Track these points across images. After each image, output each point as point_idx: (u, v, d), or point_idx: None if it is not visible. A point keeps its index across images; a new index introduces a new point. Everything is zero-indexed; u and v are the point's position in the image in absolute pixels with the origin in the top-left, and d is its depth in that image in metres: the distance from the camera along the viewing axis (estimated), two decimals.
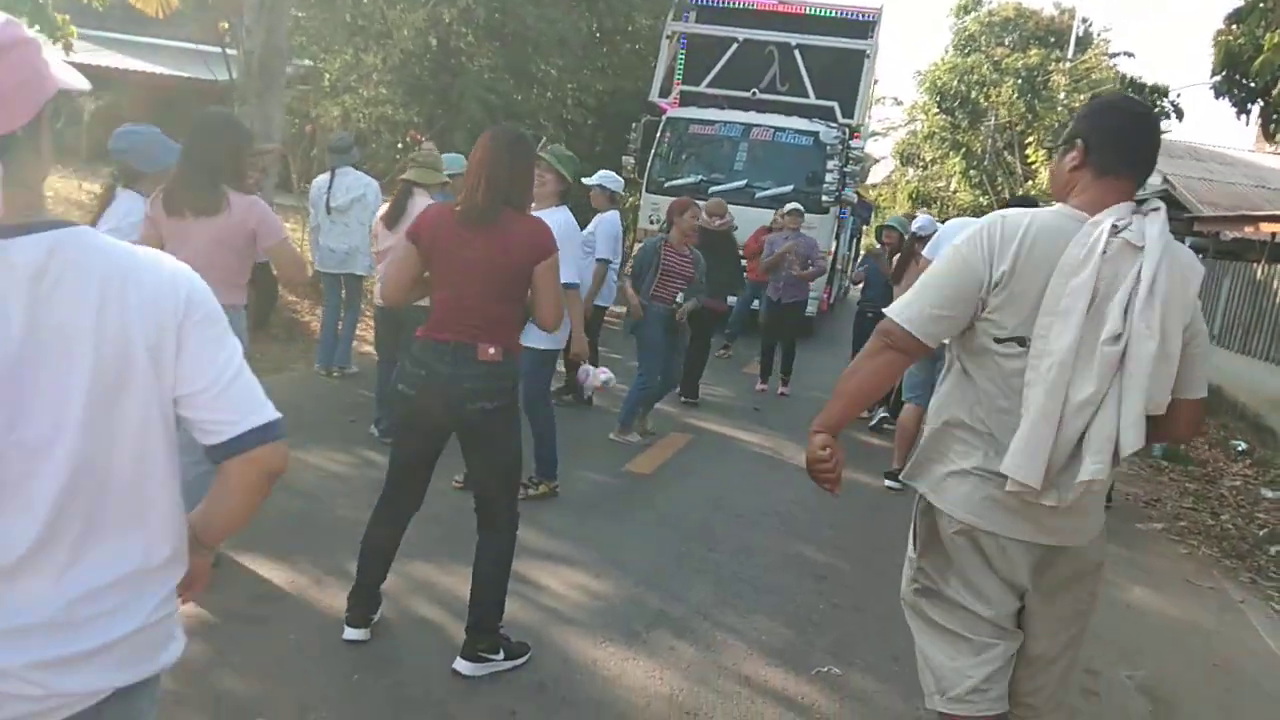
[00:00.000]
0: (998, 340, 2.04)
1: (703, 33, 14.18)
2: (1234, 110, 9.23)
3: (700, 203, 7.52)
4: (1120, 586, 4.91)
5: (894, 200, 36.05)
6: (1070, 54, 26.25)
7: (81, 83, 1.25)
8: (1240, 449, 8.88)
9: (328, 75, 11.95)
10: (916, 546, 2.25)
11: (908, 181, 34.79)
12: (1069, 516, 2.08)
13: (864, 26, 14.11)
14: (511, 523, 3.21)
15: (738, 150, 12.83)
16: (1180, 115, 11.24)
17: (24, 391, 1.16)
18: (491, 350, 2.98)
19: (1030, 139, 22.99)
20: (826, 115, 13.17)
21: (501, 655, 3.17)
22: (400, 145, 12.25)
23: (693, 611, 3.86)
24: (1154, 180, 13.32)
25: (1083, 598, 2.22)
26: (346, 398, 6.60)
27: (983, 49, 28.72)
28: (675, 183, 12.35)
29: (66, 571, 1.22)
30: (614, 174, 7.22)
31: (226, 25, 10.29)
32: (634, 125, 13.56)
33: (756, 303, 10.15)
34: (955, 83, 28.08)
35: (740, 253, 9.05)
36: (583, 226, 6.80)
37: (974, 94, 27.52)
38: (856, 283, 9.04)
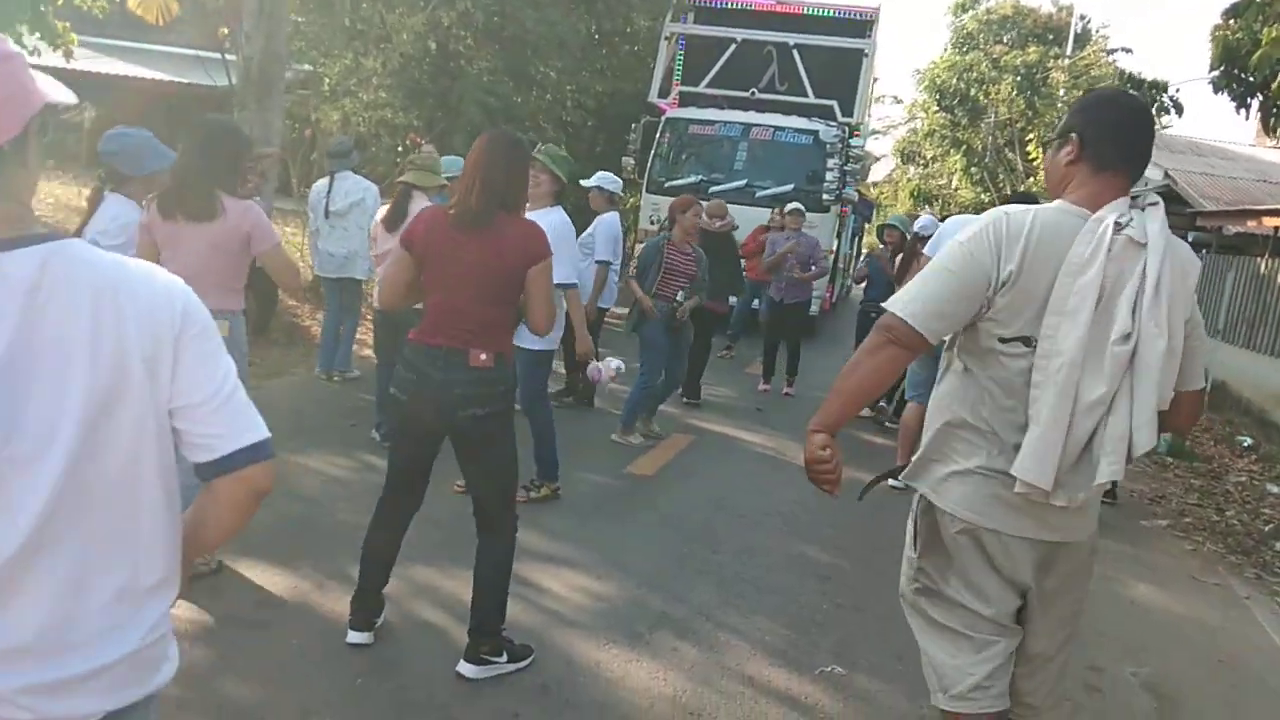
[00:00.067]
0: (1002, 340, 2.03)
1: (701, 33, 14.19)
2: (1233, 105, 9.20)
3: (701, 203, 7.51)
4: (1125, 583, 4.90)
5: (895, 198, 36.06)
6: (1069, 51, 26.25)
7: (68, 96, 1.24)
8: (1246, 444, 8.86)
9: (327, 80, 11.94)
10: (917, 547, 2.23)
11: (909, 179, 34.80)
12: (1072, 513, 2.07)
13: (862, 25, 14.12)
14: (510, 526, 3.20)
15: (737, 150, 12.83)
16: (1180, 110, 11.18)
17: (17, 406, 1.15)
18: (483, 356, 2.98)
19: (1031, 136, 22.96)
20: (826, 114, 13.17)
21: (505, 658, 3.17)
22: (400, 149, 12.24)
23: (696, 612, 3.86)
24: (1155, 175, 13.29)
25: (1080, 595, 2.23)
26: (347, 402, 6.60)
27: (981, 47, 28.71)
28: (675, 183, 12.35)
29: (57, 593, 1.20)
30: (612, 175, 7.21)
31: (226, 31, 10.31)
32: (633, 126, 13.57)
33: (756, 302, 10.15)
34: (954, 80, 28.10)
35: (740, 254, 9.04)
36: (583, 228, 6.81)
37: (973, 91, 27.54)
38: (859, 281, 9.03)
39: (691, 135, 13.07)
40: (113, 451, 1.22)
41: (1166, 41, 70.72)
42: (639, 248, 7.95)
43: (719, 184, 12.18)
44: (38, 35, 8.28)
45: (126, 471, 1.24)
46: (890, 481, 2.47)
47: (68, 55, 8.84)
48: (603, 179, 7.01)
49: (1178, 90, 10.58)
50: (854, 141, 13.37)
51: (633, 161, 13.15)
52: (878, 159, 31.63)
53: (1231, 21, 8.73)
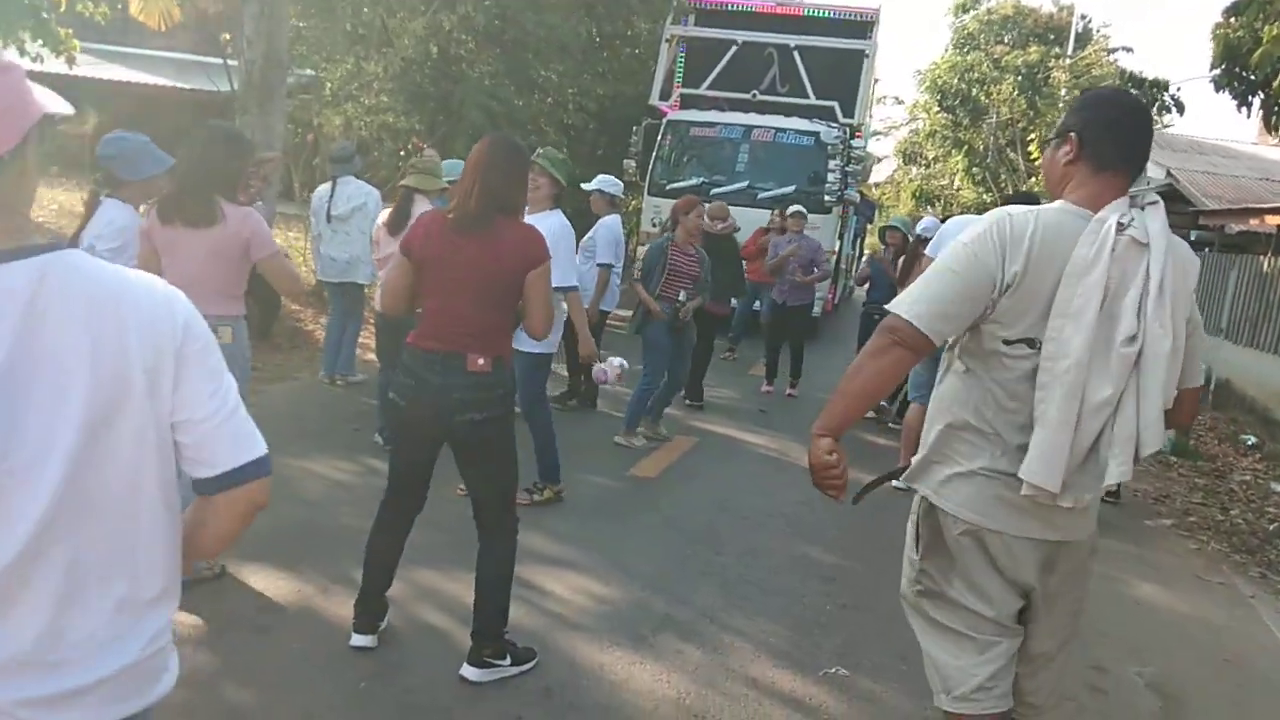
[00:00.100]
0: (1006, 342, 2.02)
1: (702, 36, 14.21)
2: (1235, 103, 9.19)
3: (703, 204, 7.51)
4: (1129, 583, 4.89)
5: (897, 199, 36.07)
6: (1070, 50, 26.24)
7: (65, 107, 1.25)
8: (1250, 443, 8.84)
9: (329, 84, 11.98)
10: (919, 549, 2.22)
11: (911, 180, 34.80)
12: (1075, 512, 2.08)
13: (862, 26, 14.13)
14: (511, 529, 3.21)
15: (739, 152, 12.84)
16: (1181, 109, 11.19)
17: (16, 416, 1.15)
18: (481, 361, 2.98)
19: (1032, 135, 22.95)
20: (827, 115, 13.18)
21: (508, 661, 3.17)
22: (402, 153, 12.26)
23: (699, 614, 3.86)
24: (1158, 174, 13.28)
25: (1080, 594, 2.23)
26: (350, 406, 6.61)
27: (982, 47, 28.72)
28: (677, 185, 12.35)
29: (56, 604, 1.20)
30: (613, 178, 7.22)
31: (227, 37, 10.34)
32: (635, 129, 13.57)
33: (757, 303, 10.14)
34: (956, 81, 28.10)
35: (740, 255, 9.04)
36: (584, 231, 6.82)
37: (975, 92, 27.54)
38: (860, 283, 9.02)
39: (693, 137, 13.07)
40: (113, 462, 1.22)
41: (1167, 40, 70.70)
42: (641, 250, 7.95)
43: (720, 186, 12.18)
44: (40, 42, 8.31)
45: (127, 482, 1.24)
46: (894, 482, 2.46)
47: (70, 62, 8.87)
48: (603, 182, 7.01)
49: (1179, 89, 10.60)
50: (855, 142, 13.37)
51: (634, 164, 13.16)
52: (879, 160, 31.63)
53: (1232, 19, 8.73)
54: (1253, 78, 8.58)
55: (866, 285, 8.67)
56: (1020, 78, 26.19)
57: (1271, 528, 6.26)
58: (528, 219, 3.32)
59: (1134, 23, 69.08)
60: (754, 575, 4.35)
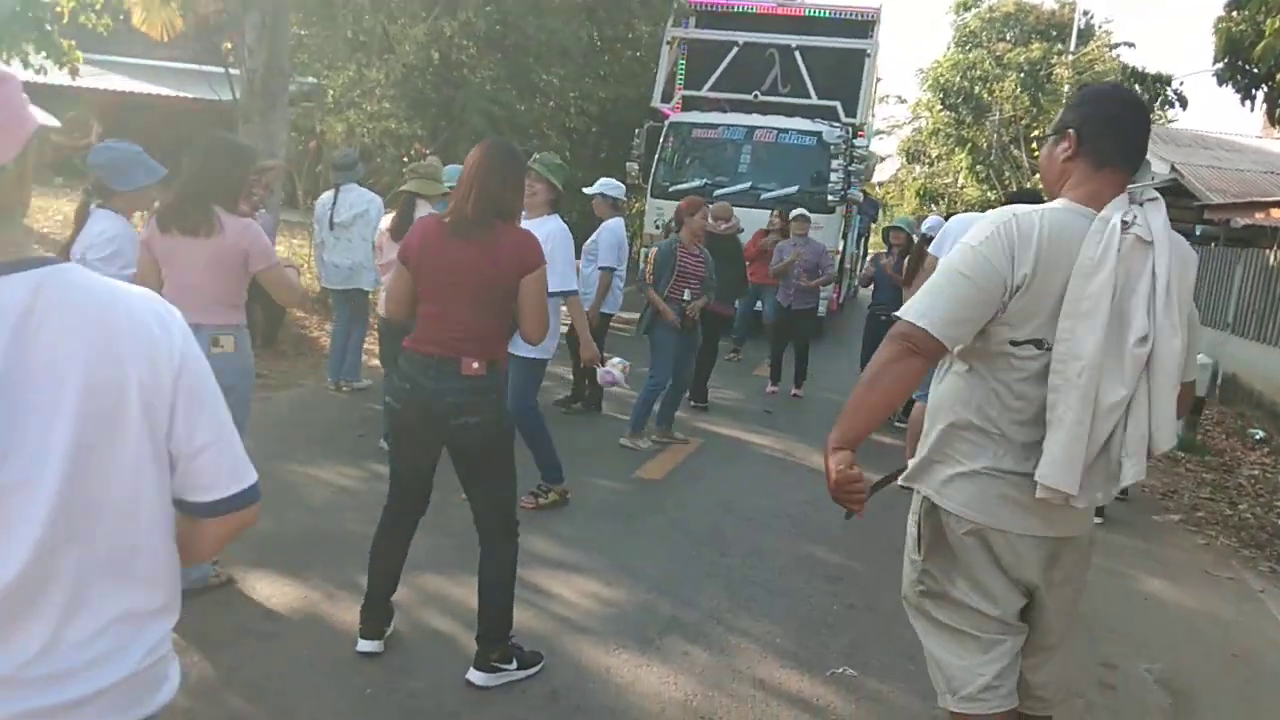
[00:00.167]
0: (1014, 343, 2.01)
1: (703, 37, 14.21)
2: (1238, 97, 9.18)
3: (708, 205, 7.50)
4: (1137, 579, 4.87)
5: (901, 197, 36.06)
6: (1072, 47, 26.20)
7: (51, 120, 1.25)
8: (1258, 437, 8.81)
9: (331, 92, 12.01)
10: (920, 549, 2.21)
11: (914, 178, 34.78)
12: (1079, 509, 2.07)
13: (864, 26, 14.12)
14: (511, 533, 3.20)
15: (741, 153, 12.83)
16: (1185, 104, 11.18)
17: (12, 429, 1.15)
18: (475, 365, 2.98)
19: (1036, 132, 22.97)
20: (829, 115, 13.16)
21: (514, 664, 3.17)
22: (405, 159, 12.29)
23: (705, 616, 3.85)
24: (1162, 169, 13.25)
25: (1080, 585, 2.24)
26: (355, 412, 6.62)
27: (984, 44, 28.70)
28: (680, 187, 12.35)
29: (57, 617, 1.20)
30: (615, 181, 7.22)
31: (229, 46, 10.37)
32: (637, 131, 13.57)
33: (759, 304, 10.12)
34: (958, 79, 28.09)
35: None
36: (587, 235, 6.82)
37: (977, 89, 27.53)
38: (864, 284, 8.98)
39: (695, 139, 13.07)
40: (112, 475, 1.22)
41: (1170, 35, 70.54)
42: (644, 253, 7.95)
43: (724, 187, 12.18)
44: (44, 54, 8.35)
45: (127, 495, 1.24)
46: (899, 481, 2.46)
47: (74, 73, 8.91)
48: (605, 185, 7.01)
49: (1182, 83, 10.60)
50: (858, 142, 13.34)
51: (637, 166, 13.16)
52: (882, 159, 31.58)
53: (1235, 13, 8.72)
54: (1256, 71, 8.57)
55: (871, 287, 8.64)
56: (1023, 75, 26.18)
57: None
58: (525, 224, 3.32)
59: (1136, 18, 69.01)
60: (760, 576, 4.35)
